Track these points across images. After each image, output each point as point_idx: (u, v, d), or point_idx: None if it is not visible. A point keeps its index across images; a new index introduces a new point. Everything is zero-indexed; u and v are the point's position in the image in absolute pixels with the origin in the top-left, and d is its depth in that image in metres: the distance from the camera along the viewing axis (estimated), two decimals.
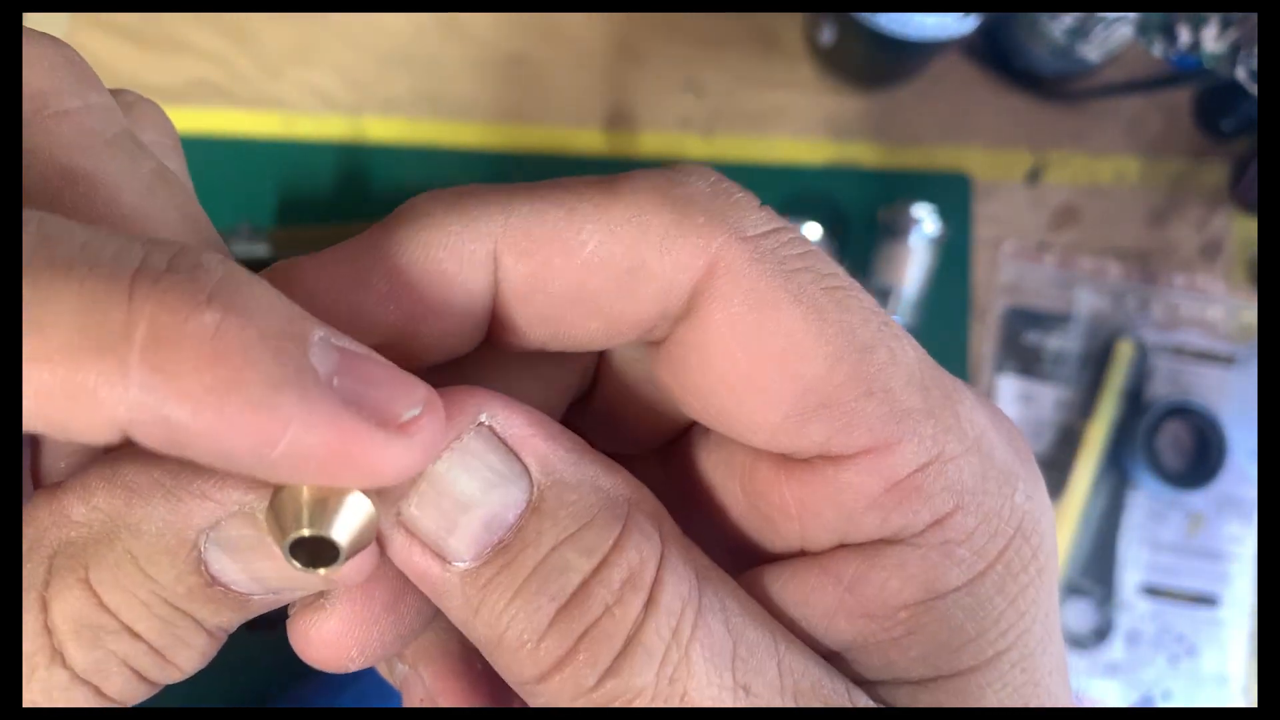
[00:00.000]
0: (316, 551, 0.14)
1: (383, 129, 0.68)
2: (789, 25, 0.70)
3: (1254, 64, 0.57)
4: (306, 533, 0.13)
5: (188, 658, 0.15)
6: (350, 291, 0.15)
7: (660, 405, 0.19)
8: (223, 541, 0.14)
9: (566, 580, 0.14)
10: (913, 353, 0.15)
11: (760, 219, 0.15)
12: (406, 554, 0.14)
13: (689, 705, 0.13)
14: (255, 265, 0.55)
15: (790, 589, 0.16)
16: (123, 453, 0.14)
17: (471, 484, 0.14)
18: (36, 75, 0.15)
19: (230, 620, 0.15)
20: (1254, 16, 0.55)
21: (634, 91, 0.69)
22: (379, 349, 0.14)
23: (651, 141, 0.69)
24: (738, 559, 0.18)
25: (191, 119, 0.68)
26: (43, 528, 0.14)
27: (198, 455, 0.13)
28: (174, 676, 0.15)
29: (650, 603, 0.14)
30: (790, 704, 0.14)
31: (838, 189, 0.68)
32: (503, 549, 0.14)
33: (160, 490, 0.14)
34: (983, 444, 0.15)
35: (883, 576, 0.15)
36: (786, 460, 0.16)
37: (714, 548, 0.18)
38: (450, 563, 0.14)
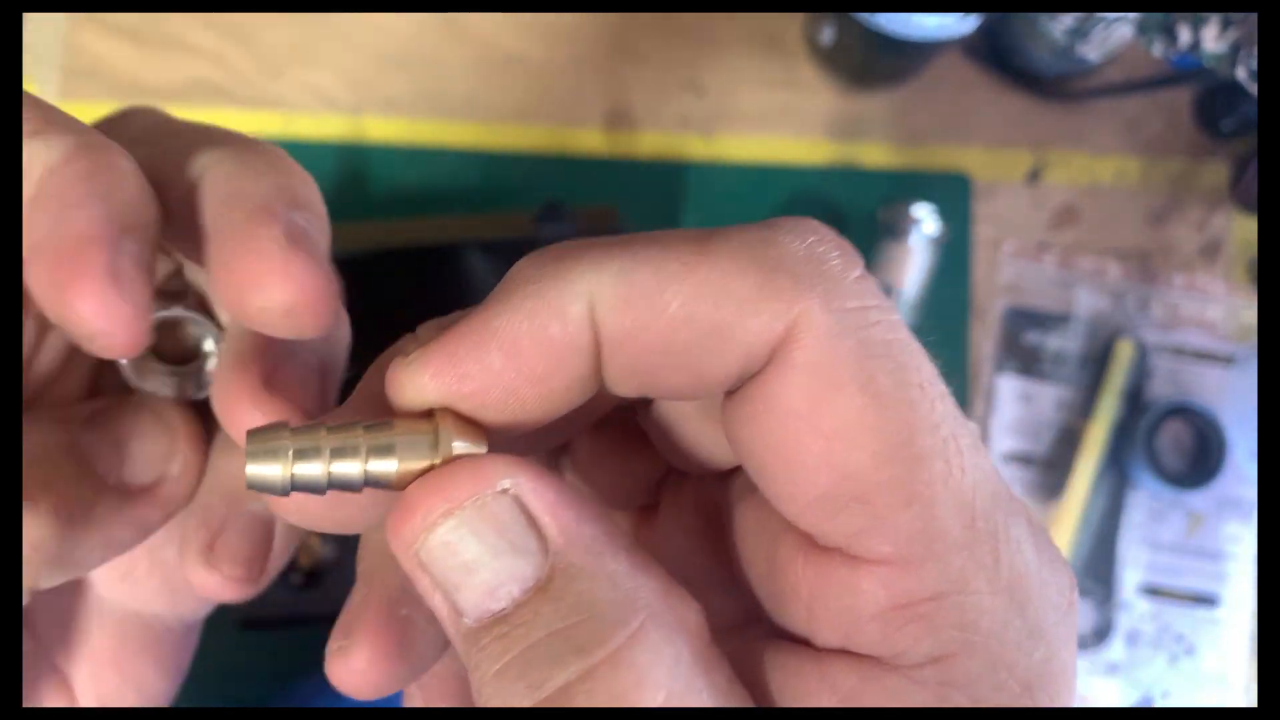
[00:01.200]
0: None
1: (383, 129, 0.68)
2: (789, 26, 0.70)
3: (1254, 64, 0.57)
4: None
5: None
6: (477, 373, 0.15)
7: (708, 448, 0.19)
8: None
9: (551, 675, 0.13)
10: (975, 475, 0.14)
11: (854, 290, 0.14)
12: (427, 594, 0.15)
13: None
14: None
15: (789, 686, 0.15)
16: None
17: (478, 547, 0.14)
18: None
19: None
20: (1254, 16, 0.56)
21: (634, 91, 0.69)
22: (511, 422, 0.15)
23: (652, 141, 0.69)
24: (750, 617, 0.18)
25: (191, 119, 0.68)
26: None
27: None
28: None
29: None
30: None
31: (838, 189, 0.69)
32: (501, 618, 0.14)
33: None
34: (1018, 590, 0.14)
35: (874, 703, 0.14)
36: (810, 542, 0.15)
37: (729, 597, 0.18)
38: (459, 616, 0.14)
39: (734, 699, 0.14)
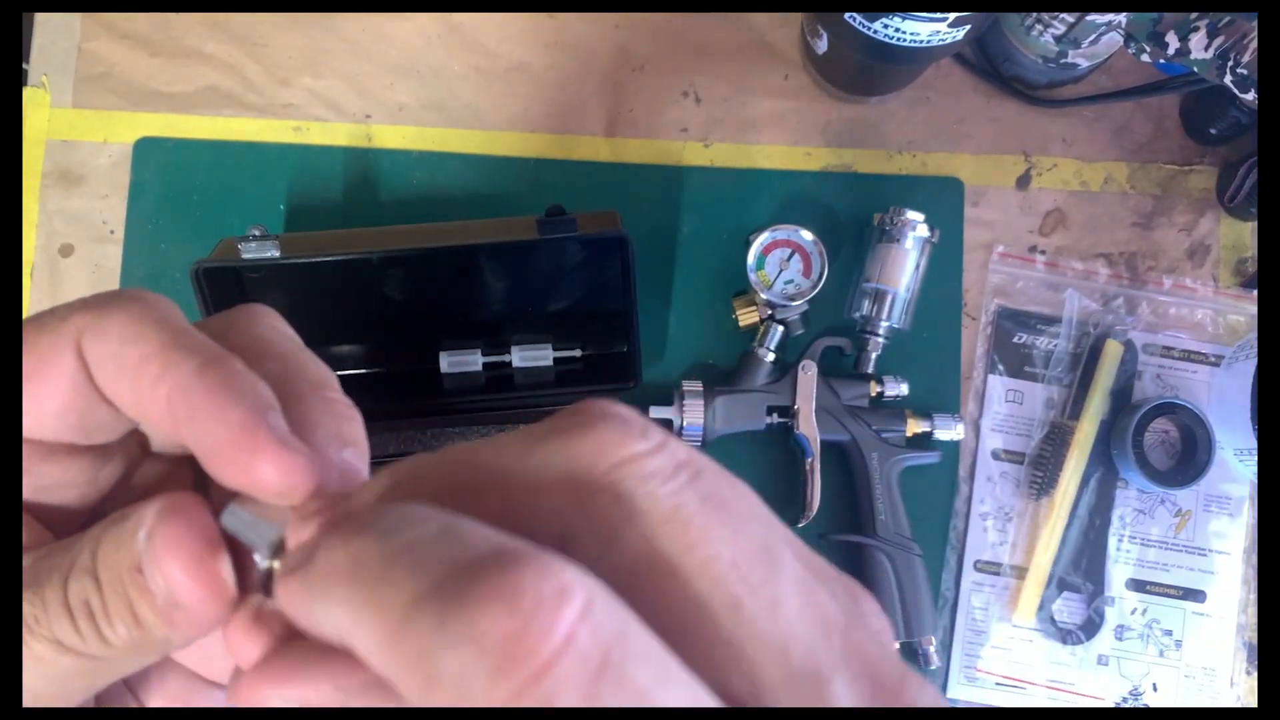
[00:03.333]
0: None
1: (390, 135, 0.70)
2: (785, 34, 0.71)
3: (1242, 70, 0.58)
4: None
5: None
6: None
7: None
8: None
9: None
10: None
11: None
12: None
13: None
14: (267, 267, 0.57)
15: None
16: None
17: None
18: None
19: None
20: (1241, 22, 0.57)
21: (635, 99, 0.71)
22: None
23: (651, 148, 0.70)
24: None
25: (203, 126, 0.70)
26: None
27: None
28: None
29: None
30: None
31: (833, 194, 0.70)
32: None
33: None
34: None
35: None
36: None
37: None
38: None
39: None
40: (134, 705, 0.25)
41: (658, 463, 0.17)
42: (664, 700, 0.14)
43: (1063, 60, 0.67)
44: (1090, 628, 0.66)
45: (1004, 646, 0.67)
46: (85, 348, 0.21)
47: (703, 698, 0.15)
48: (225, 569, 0.20)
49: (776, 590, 0.16)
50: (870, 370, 0.67)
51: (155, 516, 0.20)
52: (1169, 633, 0.67)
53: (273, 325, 0.24)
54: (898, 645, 0.65)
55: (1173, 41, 0.60)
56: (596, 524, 0.16)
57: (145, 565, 0.20)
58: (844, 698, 0.16)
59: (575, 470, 0.17)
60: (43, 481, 0.22)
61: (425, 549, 0.16)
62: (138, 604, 0.20)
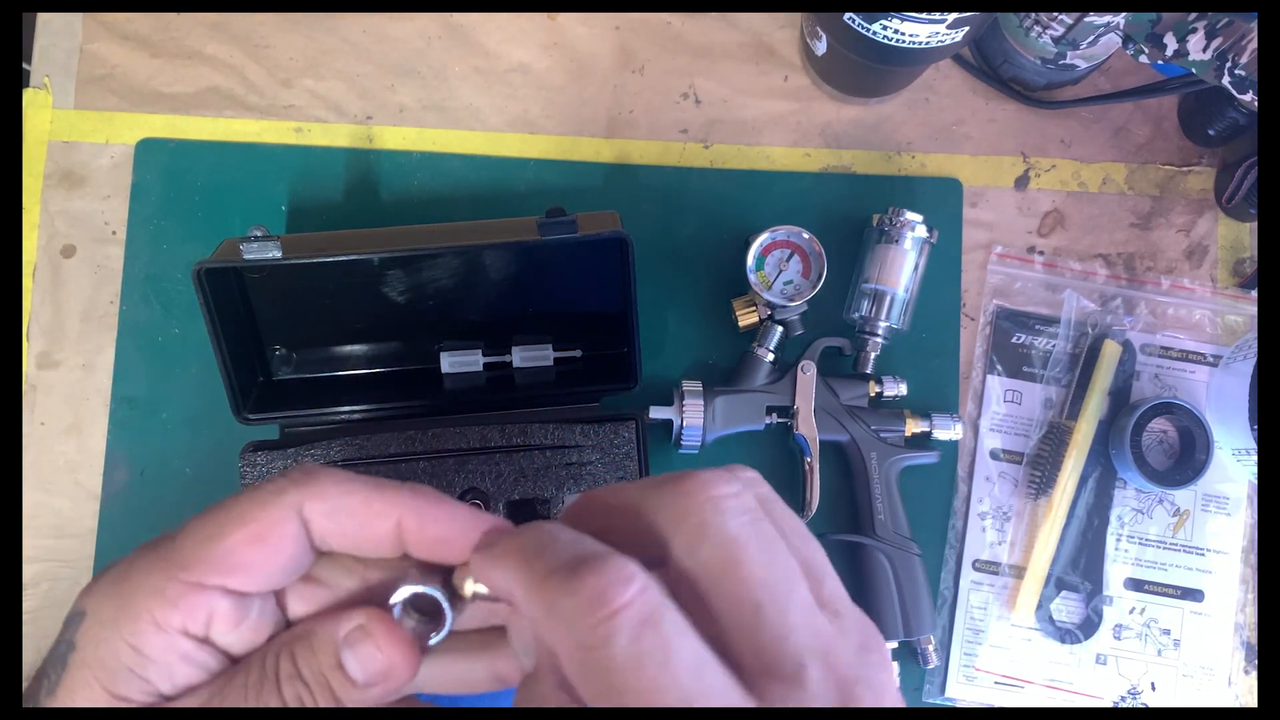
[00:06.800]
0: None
1: (391, 136, 0.70)
2: (785, 36, 0.72)
3: (1240, 71, 0.59)
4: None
5: None
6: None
7: None
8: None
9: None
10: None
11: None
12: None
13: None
14: (268, 268, 0.58)
15: None
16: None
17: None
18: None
19: None
20: (1239, 23, 0.57)
21: (635, 100, 0.71)
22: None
23: (652, 149, 0.71)
24: None
25: (205, 127, 0.70)
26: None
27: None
28: None
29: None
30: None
31: (833, 194, 0.70)
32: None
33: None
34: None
35: None
36: None
37: None
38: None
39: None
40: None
41: (734, 503, 0.25)
42: (679, 648, 0.22)
43: (1061, 61, 0.67)
44: (1088, 627, 0.67)
45: (1002, 645, 0.67)
46: (306, 509, 0.28)
47: (702, 652, 0.22)
48: (411, 641, 0.28)
49: (788, 604, 0.24)
50: (869, 370, 0.67)
51: (360, 625, 0.28)
52: (1167, 632, 0.67)
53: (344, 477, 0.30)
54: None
55: (1171, 43, 0.60)
56: (686, 538, 0.24)
57: (347, 660, 0.28)
58: (814, 679, 0.23)
59: (677, 503, 0.25)
60: (234, 622, 0.28)
61: (560, 547, 0.24)
62: (339, 689, 0.28)
